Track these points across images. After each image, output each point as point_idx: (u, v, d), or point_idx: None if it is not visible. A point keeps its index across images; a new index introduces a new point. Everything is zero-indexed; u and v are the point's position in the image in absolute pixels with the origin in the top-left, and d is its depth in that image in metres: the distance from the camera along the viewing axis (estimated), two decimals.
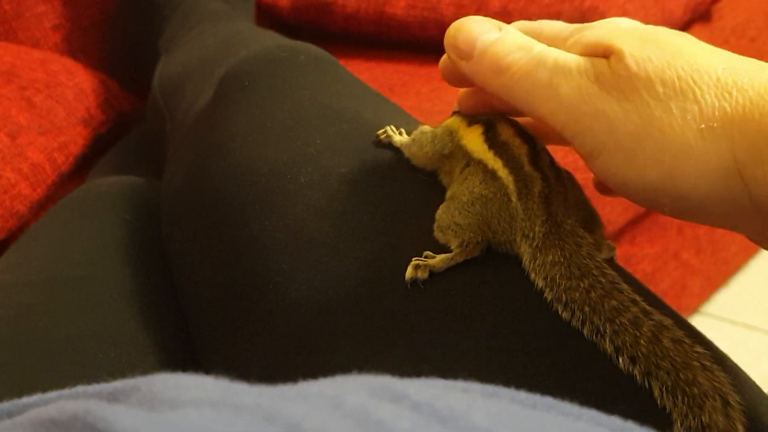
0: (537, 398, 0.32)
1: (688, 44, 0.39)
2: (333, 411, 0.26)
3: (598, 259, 0.41)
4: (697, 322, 1.54)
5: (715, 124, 0.36)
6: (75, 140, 1.03)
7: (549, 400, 0.32)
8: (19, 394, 0.48)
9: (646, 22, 1.37)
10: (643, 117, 0.37)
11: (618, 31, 0.40)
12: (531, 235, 0.43)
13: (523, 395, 0.32)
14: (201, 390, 0.28)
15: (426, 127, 0.52)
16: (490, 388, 0.32)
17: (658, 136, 0.37)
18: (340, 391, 0.27)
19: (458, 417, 0.26)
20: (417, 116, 0.63)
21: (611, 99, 0.38)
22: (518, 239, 0.43)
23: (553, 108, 0.40)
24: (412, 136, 0.52)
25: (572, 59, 0.40)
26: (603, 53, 0.39)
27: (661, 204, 0.39)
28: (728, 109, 0.36)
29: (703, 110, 0.36)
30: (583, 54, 0.40)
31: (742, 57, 0.39)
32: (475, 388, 0.33)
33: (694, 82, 0.37)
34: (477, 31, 0.42)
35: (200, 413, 0.25)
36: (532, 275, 0.42)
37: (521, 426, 0.28)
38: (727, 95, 0.36)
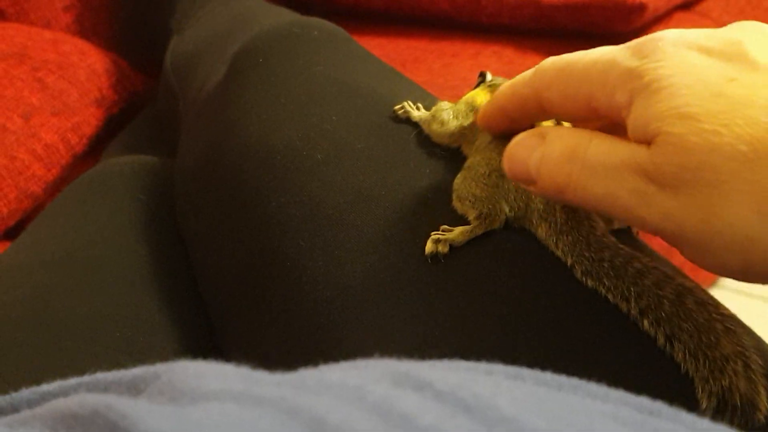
0: (563, 379, 0.31)
1: (743, 93, 0.33)
2: (356, 403, 0.26)
3: (612, 238, 0.42)
4: (714, 294, 1.53)
5: None
6: (88, 121, 1.03)
7: (575, 381, 0.31)
8: (37, 375, 0.49)
9: None
10: (702, 208, 0.33)
11: (654, 106, 0.35)
12: (552, 219, 0.43)
13: (548, 376, 0.31)
14: (222, 380, 0.27)
15: (445, 103, 0.52)
16: (513, 370, 0.32)
17: (720, 227, 0.33)
18: (362, 381, 0.27)
19: (484, 406, 0.26)
20: (430, 92, 0.63)
21: (668, 196, 0.34)
22: (534, 219, 0.44)
23: (623, 215, 0.37)
24: (432, 112, 0.52)
25: (620, 158, 0.36)
26: (645, 141, 0.35)
27: (760, 282, 0.35)
28: None
29: (757, 191, 0.32)
30: (631, 137, 0.36)
31: None
32: (499, 369, 0.32)
33: (745, 156, 0.32)
34: (523, 155, 0.40)
35: (223, 408, 0.25)
36: (560, 254, 0.42)
37: (549, 411, 0.27)
38: None
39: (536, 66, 0.42)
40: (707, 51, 0.35)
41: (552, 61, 0.41)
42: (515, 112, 0.43)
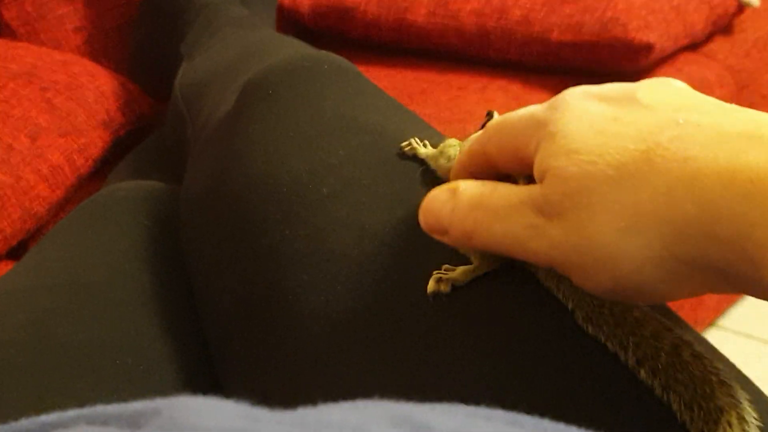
0: (561, 428, 0.31)
1: (621, 129, 0.37)
2: None
3: None
4: (713, 335, 1.54)
5: (632, 221, 0.35)
6: (95, 142, 1.03)
7: (574, 431, 0.31)
8: (37, 401, 0.49)
9: (668, 35, 1.36)
10: (577, 231, 0.36)
11: (549, 148, 0.38)
12: None
13: (547, 424, 0.31)
14: (223, 420, 0.27)
15: (453, 140, 0.52)
16: (513, 416, 0.32)
17: (589, 247, 0.36)
18: (362, 421, 0.27)
19: None
20: (436, 125, 0.63)
21: (553, 225, 0.37)
22: None
23: (520, 252, 0.40)
24: (439, 148, 0.52)
25: (518, 198, 0.39)
26: (541, 180, 0.38)
27: (637, 300, 0.39)
28: (645, 201, 0.34)
29: (618, 209, 0.35)
30: (536, 178, 0.39)
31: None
32: (498, 415, 0.32)
33: (612, 179, 0.35)
34: (437, 207, 0.43)
35: None
36: (561, 298, 0.42)
37: None
38: (646, 185, 0.35)
39: None
40: (604, 99, 0.39)
41: (495, 119, 0.45)
42: (473, 168, 0.46)
